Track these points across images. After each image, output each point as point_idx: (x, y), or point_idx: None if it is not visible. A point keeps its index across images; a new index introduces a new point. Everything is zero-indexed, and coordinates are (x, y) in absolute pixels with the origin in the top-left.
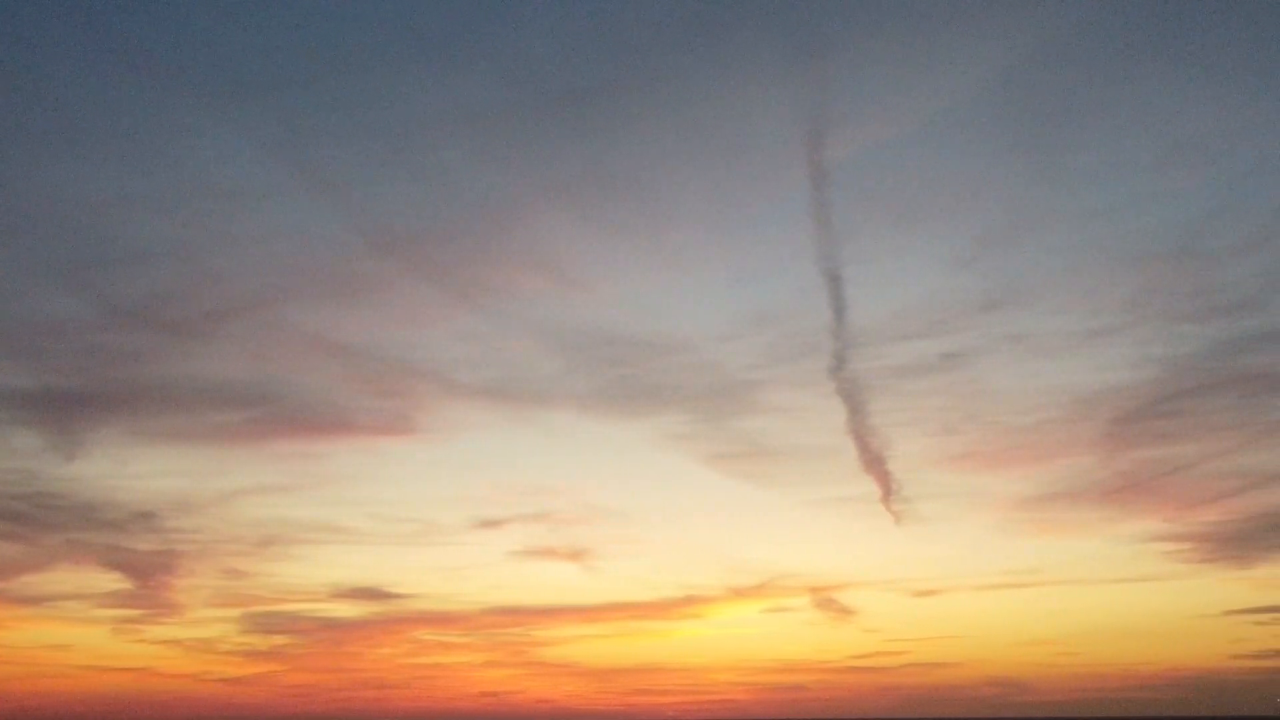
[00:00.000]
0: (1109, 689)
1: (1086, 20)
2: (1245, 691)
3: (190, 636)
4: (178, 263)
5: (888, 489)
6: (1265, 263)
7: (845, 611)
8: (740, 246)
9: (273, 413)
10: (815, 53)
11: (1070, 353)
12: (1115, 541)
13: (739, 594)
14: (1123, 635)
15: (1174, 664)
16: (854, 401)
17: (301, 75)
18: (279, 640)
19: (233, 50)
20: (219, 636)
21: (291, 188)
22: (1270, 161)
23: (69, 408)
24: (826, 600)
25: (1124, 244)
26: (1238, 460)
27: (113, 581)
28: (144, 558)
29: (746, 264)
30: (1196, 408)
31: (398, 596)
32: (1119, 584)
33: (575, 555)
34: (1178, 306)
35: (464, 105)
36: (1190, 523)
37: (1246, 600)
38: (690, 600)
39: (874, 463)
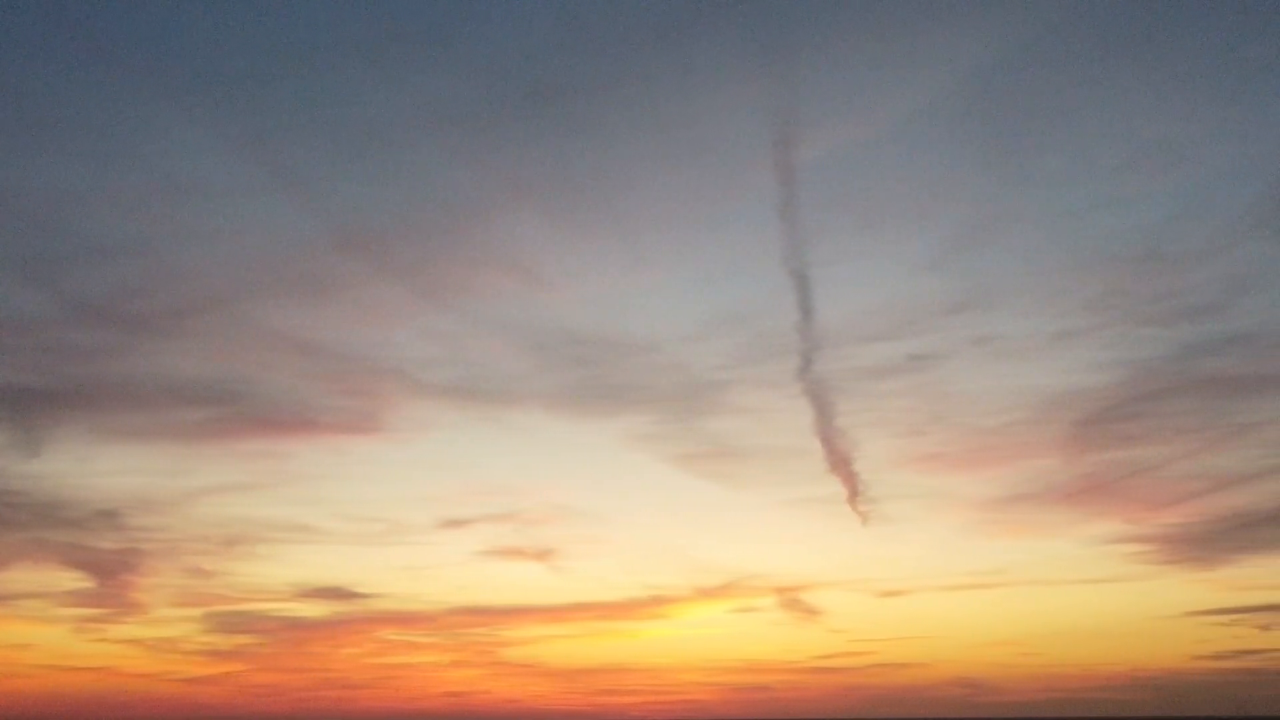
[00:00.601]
0: (1072, 689)
1: (1055, 24)
2: (1206, 692)
3: (153, 636)
4: (141, 259)
5: (854, 490)
6: (1230, 267)
7: (811, 612)
8: (708, 247)
9: (237, 411)
10: (784, 53)
11: (1036, 355)
12: (1079, 543)
13: (705, 594)
14: (1086, 636)
15: (1137, 664)
16: (821, 403)
17: (269, 71)
18: (243, 640)
19: (199, 44)
20: (182, 636)
21: (258, 184)
22: (1236, 166)
23: (30, 405)
24: (793, 600)
25: (1090, 247)
26: (1201, 463)
27: (74, 580)
28: (106, 556)
29: (714, 264)
30: (1160, 410)
31: (363, 596)
32: (1083, 585)
33: (541, 555)
34: (1143, 310)
35: (433, 104)
36: (1153, 524)
37: (1208, 602)
38: (656, 600)
39: (840, 464)
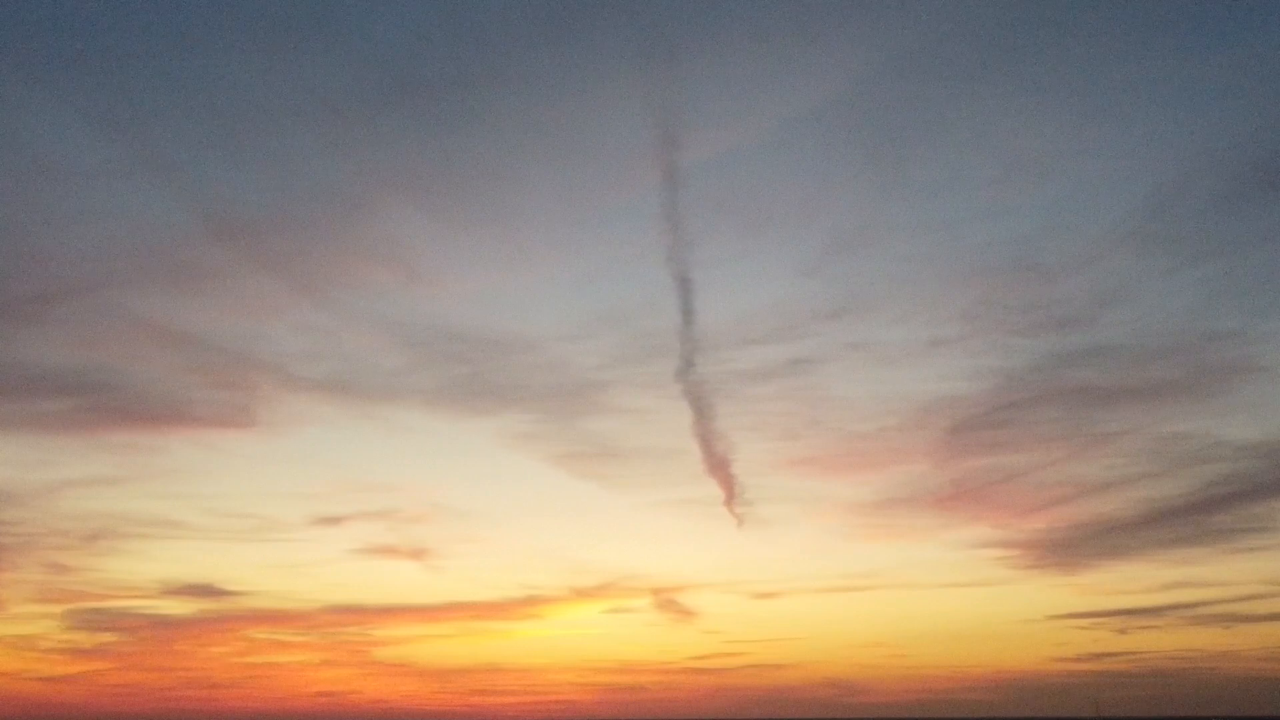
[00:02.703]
0: (939, 690)
1: (933, 38)
2: (1065, 693)
3: (11, 633)
4: (2, 242)
5: (731, 492)
6: (1096, 280)
7: (686, 613)
8: (590, 246)
9: (103, 402)
10: (668, 55)
11: (909, 362)
12: (948, 547)
13: (581, 594)
14: (953, 638)
15: (1001, 666)
16: (700, 404)
17: (139, 51)
18: (105, 638)
19: (66, 19)
20: (41, 633)
21: (127, 168)
22: (1102, 181)
23: None
24: (668, 601)
25: (963, 257)
26: (1065, 470)
27: None
28: None
29: (596, 264)
30: (1028, 419)
31: (232, 594)
32: (951, 588)
33: (417, 554)
34: (1012, 320)
35: (312, 91)
36: (1019, 530)
37: (1069, 605)
38: (532, 600)
39: (718, 466)
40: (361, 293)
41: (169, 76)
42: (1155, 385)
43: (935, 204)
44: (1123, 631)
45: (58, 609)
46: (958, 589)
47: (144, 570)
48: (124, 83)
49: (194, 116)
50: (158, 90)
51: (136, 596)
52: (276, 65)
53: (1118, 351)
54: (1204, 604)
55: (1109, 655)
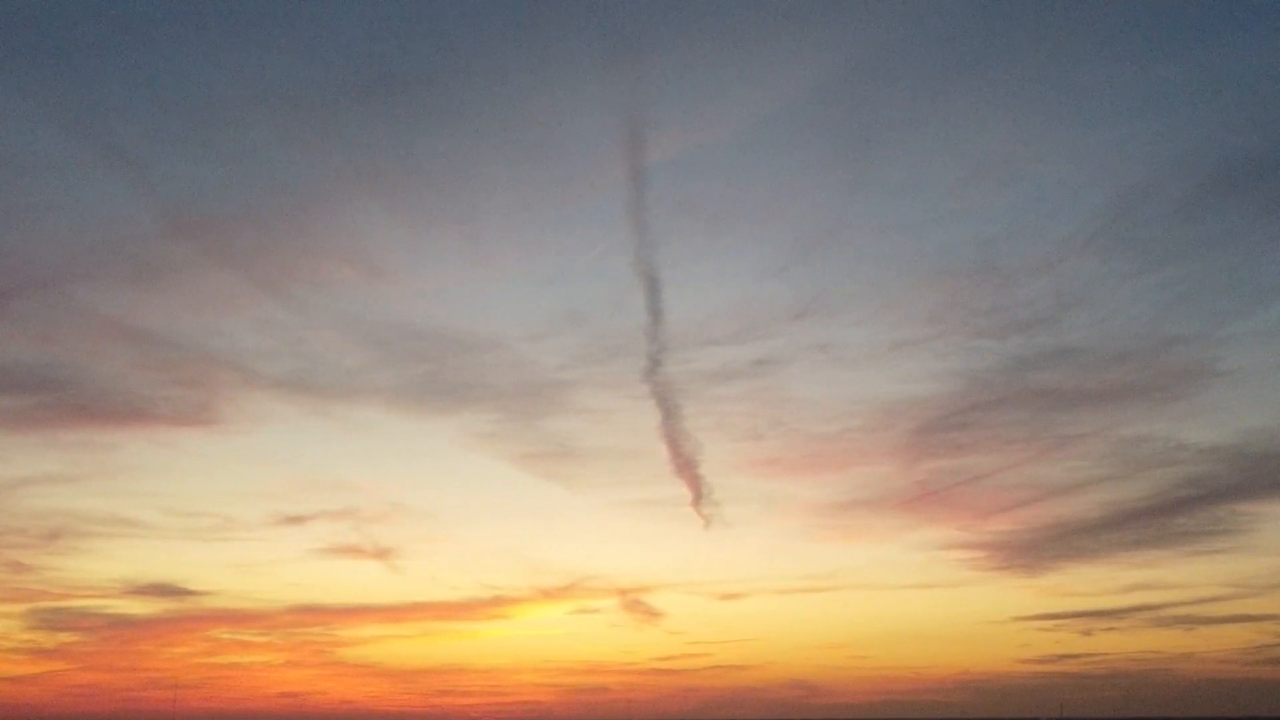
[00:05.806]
0: (903, 691)
1: (898, 40)
2: (1029, 695)
3: None
4: None
5: (698, 492)
6: (1060, 283)
7: (652, 614)
8: (554, 245)
9: (61, 399)
10: (634, 54)
11: (874, 363)
12: (912, 548)
13: (546, 595)
14: (917, 639)
15: (965, 668)
16: (667, 404)
17: (98, 42)
18: (66, 638)
19: (22, 13)
20: (1, 633)
21: (84, 161)
22: (1066, 185)
23: None
24: (634, 602)
25: (927, 259)
26: (1028, 472)
27: None
28: None
29: (560, 262)
30: (991, 421)
31: (194, 594)
32: (915, 590)
33: (380, 554)
34: (976, 322)
35: (273, 86)
36: (983, 532)
37: (1033, 607)
38: (496, 601)
39: (685, 466)
40: (323, 290)
41: (129, 70)
42: (1117, 388)
43: (900, 206)
44: (1086, 633)
45: (17, 608)
46: (921, 590)
47: (104, 569)
48: (84, 76)
49: (154, 111)
50: (118, 84)
51: (97, 596)
52: (238, 60)
53: (1080, 354)
54: (1166, 606)
55: (1072, 656)
